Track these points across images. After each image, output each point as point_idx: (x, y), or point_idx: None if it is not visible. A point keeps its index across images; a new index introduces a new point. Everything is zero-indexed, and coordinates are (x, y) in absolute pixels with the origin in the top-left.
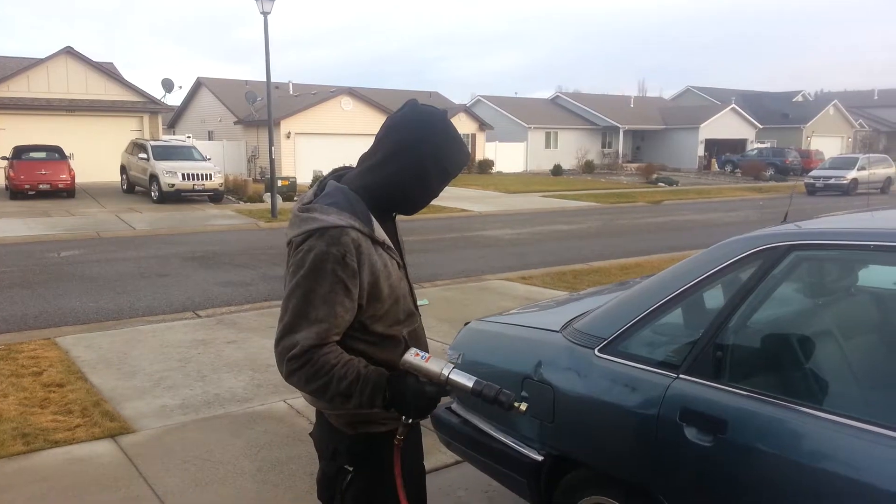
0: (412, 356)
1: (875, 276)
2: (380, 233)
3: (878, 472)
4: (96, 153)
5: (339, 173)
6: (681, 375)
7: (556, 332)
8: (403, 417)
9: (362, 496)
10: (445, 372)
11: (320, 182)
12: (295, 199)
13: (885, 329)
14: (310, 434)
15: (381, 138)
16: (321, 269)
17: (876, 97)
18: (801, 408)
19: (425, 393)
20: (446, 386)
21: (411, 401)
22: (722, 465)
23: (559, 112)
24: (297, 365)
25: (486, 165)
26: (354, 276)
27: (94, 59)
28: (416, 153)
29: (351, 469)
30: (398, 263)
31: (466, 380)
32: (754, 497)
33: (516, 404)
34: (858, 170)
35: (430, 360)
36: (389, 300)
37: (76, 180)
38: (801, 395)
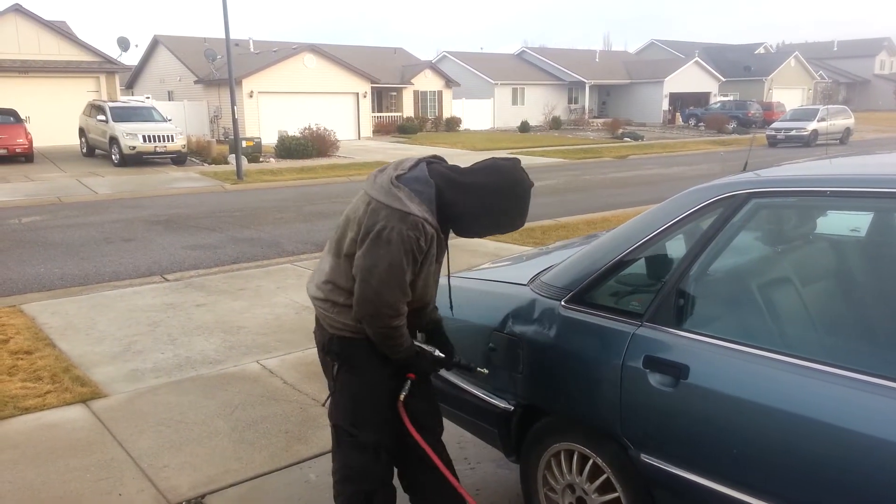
0: (419, 340)
1: (832, 222)
2: (436, 226)
3: (835, 411)
4: (53, 116)
5: (432, 161)
6: (644, 323)
7: (524, 285)
8: (411, 378)
9: (347, 383)
10: (434, 352)
11: (418, 161)
12: (261, 160)
13: (841, 274)
14: (314, 332)
15: (483, 167)
16: (401, 246)
17: (835, 48)
18: (760, 352)
19: (425, 366)
20: (435, 359)
21: (424, 367)
22: (685, 409)
23: (526, 68)
24: (399, 323)
25: (453, 123)
26: (419, 255)
27: (46, 18)
28: (499, 198)
29: (332, 361)
30: (434, 257)
31: (447, 355)
32: (716, 440)
33: (479, 369)
34: (818, 121)
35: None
36: (420, 282)
37: (34, 144)
38: (760, 339)
